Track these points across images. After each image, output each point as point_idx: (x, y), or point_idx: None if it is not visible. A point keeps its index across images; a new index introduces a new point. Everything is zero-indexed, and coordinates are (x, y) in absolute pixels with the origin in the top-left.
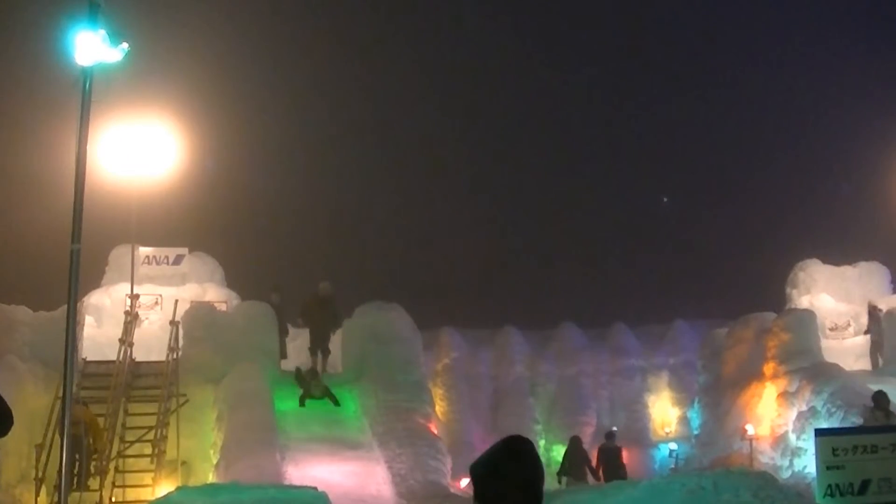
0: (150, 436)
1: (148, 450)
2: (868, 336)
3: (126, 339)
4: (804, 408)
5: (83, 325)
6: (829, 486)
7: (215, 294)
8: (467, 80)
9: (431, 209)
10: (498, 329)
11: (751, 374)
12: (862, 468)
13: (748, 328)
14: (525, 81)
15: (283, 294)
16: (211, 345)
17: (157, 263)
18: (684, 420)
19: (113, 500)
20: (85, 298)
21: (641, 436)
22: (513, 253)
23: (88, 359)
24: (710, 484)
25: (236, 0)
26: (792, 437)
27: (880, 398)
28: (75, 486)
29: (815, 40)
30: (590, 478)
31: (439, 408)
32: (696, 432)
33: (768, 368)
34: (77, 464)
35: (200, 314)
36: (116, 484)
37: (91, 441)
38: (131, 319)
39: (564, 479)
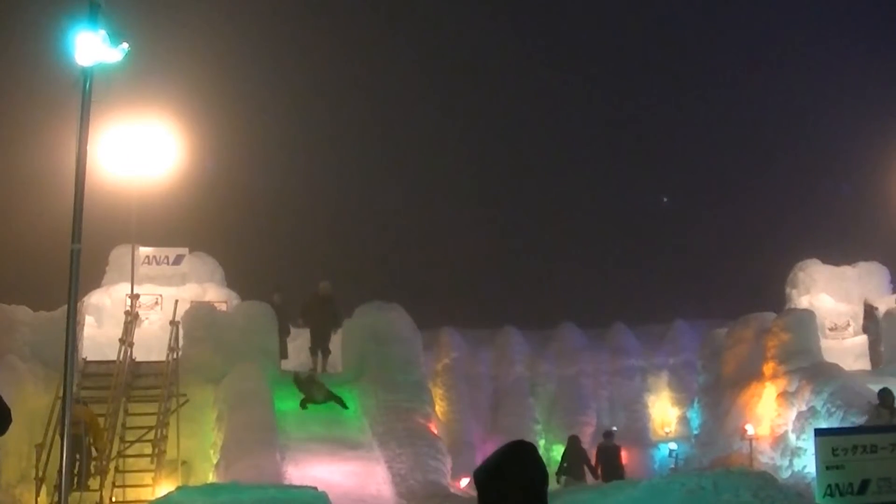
0: (151, 436)
1: (148, 450)
2: (866, 336)
3: (126, 339)
4: (804, 408)
5: (83, 325)
6: (829, 485)
7: (215, 294)
8: (467, 79)
9: (431, 209)
10: (498, 329)
11: (750, 374)
12: (861, 468)
13: (748, 328)
14: (525, 81)
15: (285, 294)
16: (211, 345)
17: (158, 263)
18: (684, 420)
19: (113, 499)
20: (85, 298)
21: (641, 436)
22: (513, 253)
23: (89, 359)
24: (709, 484)
25: (236, 0)
26: (792, 436)
27: (886, 396)
28: (75, 485)
29: (815, 40)
30: (589, 477)
31: (439, 408)
32: (695, 432)
33: (768, 368)
34: (77, 463)
35: (200, 314)
36: (116, 484)
37: (91, 441)
38: (131, 319)
39: (563, 479)
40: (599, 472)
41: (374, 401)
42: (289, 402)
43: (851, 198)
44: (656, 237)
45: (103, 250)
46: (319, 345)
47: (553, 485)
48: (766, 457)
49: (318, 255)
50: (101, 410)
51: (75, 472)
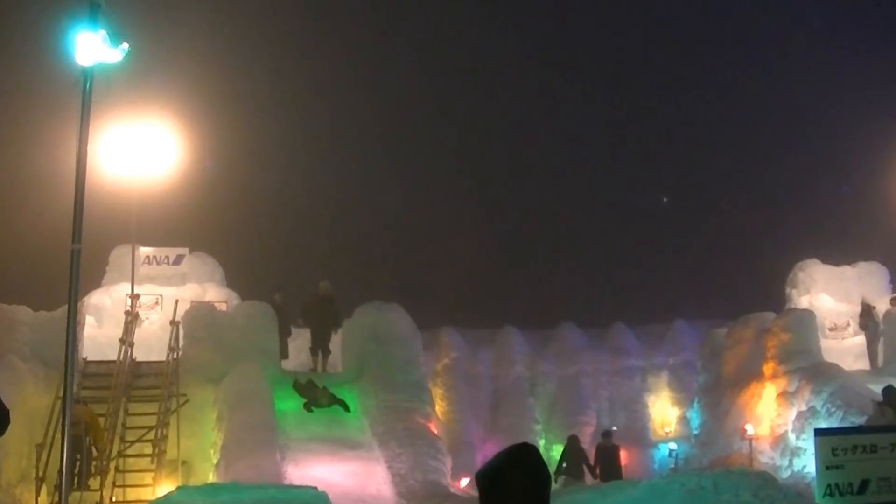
0: (151, 435)
1: (148, 449)
2: (865, 335)
3: (126, 339)
4: (804, 407)
5: (83, 324)
6: (829, 485)
7: (215, 294)
8: (467, 79)
9: (431, 209)
10: (498, 329)
11: (750, 374)
12: (861, 468)
13: (748, 328)
14: (525, 81)
15: (286, 294)
16: (211, 345)
17: (158, 263)
18: (684, 420)
19: (113, 499)
20: (85, 298)
21: (641, 435)
22: (513, 253)
23: (89, 359)
24: (709, 484)
25: (236, 0)
26: (791, 436)
27: (891, 394)
28: (76, 485)
29: (815, 40)
30: (588, 477)
31: (439, 408)
32: (695, 432)
33: (768, 368)
34: (78, 463)
35: (201, 314)
36: (117, 484)
37: (92, 441)
38: (132, 319)
39: (561, 479)
40: (598, 471)
41: (374, 401)
42: (289, 402)
43: (851, 198)
44: (656, 237)
45: (103, 250)
46: (320, 345)
47: (551, 485)
48: (766, 457)
49: (318, 255)
50: (102, 410)
51: (76, 471)
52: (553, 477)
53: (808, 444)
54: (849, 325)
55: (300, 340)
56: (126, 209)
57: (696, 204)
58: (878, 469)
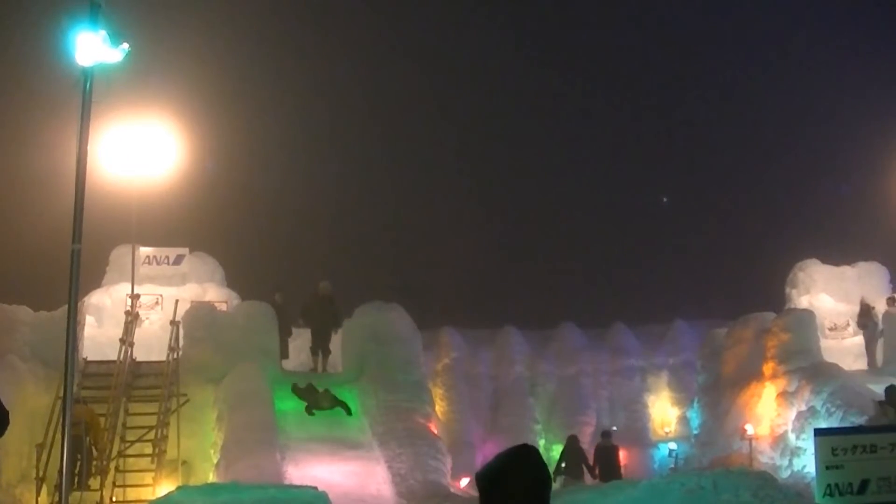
0: (151, 435)
1: (148, 449)
2: (863, 334)
3: (126, 339)
4: (803, 407)
5: (84, 324)
6: (829, 485)
7: (216, 294)
8: (467, 80)
9: (431, 209)
10: (498, 329)
11: (750, 374)
12: (861, 468)
13: (748, 328)
14: (525, 81)
15: (286, 294)
16: (211, 345)
17: (158, 263)
18: (684, 420)
19: (113, 499)
20: (85, 298)
21: (641, 435)
22: (513, 253)
23: (89, 358)
24: (709, 484)
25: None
26: (791, 436)
27: (892, 394)
28: (76, 485)
29: (815, 40)
30: (587, 477)
31: (439, 408)
32: (695, 432)
33: (768, 368)
34: (78, 463)
35: (201, 314)
36: (117, 483)
37: (92, 441)
38: (132, 319)
39: (560, 479)
40: (597, 472)
41: (374, 401)
42: (289, 402)
43: (851, 198)
44: (656, 237)
45: (104, 250)
46: (320, 345)
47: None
48: (766, 456)
49: (318, 255)
50: (102, 410)
51: (76, 471)
52: (552, 477)
53: (807, 443)
54: (848, 324)
55: (300, 340)
56: (126, 209)
57: (696, 204)
58: (878, 469)
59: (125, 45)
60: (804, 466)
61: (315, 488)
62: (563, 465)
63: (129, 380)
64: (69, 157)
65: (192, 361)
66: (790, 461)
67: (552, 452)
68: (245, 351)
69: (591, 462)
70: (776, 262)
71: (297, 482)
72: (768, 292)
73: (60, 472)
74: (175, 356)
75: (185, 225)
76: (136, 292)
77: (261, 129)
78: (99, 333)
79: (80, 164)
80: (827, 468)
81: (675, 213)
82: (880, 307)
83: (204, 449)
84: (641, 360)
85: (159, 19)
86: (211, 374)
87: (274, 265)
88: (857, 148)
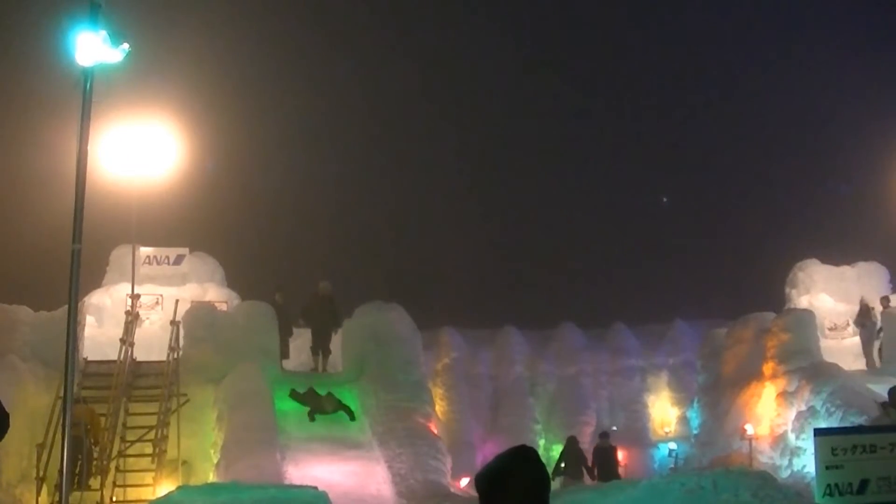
0: (151, 435)
1: (149, 449)
2: (860, 334)
3: (127, 339)
4: (803, 407)
5: (84, 324)
6: (829, 485)
7: (216, 294)
8: (467, 80)
9: (431, 210)
10: (498, 329)
11: (750, 374)
12: (861, 468)
13: (748, 328)
14: (525, 81)
15: (287, 294)
16: (211, 345)
17: (158, 263)
18: (684, 420)
19: (114, 499)
20: (86, 298)
21: (641, 435)
22: (513, 253)
23: (89, 358)
24: (709, 483)
25: (236, 0)
26: (791, 436)
27: (894, 394)
28: (76, 485)
29: (815, 40)
30: (587, 478)
31: (439, 408)
32: (695, 432)
33: (768, 368)
34: (78, 463)
35: (201, 314)
36: (117, 483)
37: (92, 440)
38: (132, 319)
39: (559, 480)
40: (596, 472)
41: (374, 400)
42: (289, 402)
43: (851, 198)
44: (656, 237)
45: (104, 250)
46: (320, 344)
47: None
48: (766, 456)
49: (318, 255)
50: (102, 410)
51: (76, 471)
52: (552, 477)
53: (807, 443)
54: (848, 324)
55: (300, 340)
56: (126, 209)
57: (696, 204)
58: (878, 469)
59: (125, 45)
60: (804, 466)
61: (315, 488)
62: (563, 465)
63: (130, 380)
64: (69, 157)
65: (192, 361)
66: (790, 461)
67: (552, 452)
68: (245, 351)
69: (589, 462)
70: (776, 262)
71: (297, 482)
72: (768, 292)
73: (61, 471)
74: (175, 356)
75: (185, 225)
76: (136, 292)
77: (261, 129)
78: (99, 333)
79: (80, 164)
80: (827, 468)
81: (675, 213)
82: (879, 307)
83: (204, 449)
84: (641, 360)
85: (159, 19)
86: (211, 374)
87: (274, 265)
88: (857, 148)
